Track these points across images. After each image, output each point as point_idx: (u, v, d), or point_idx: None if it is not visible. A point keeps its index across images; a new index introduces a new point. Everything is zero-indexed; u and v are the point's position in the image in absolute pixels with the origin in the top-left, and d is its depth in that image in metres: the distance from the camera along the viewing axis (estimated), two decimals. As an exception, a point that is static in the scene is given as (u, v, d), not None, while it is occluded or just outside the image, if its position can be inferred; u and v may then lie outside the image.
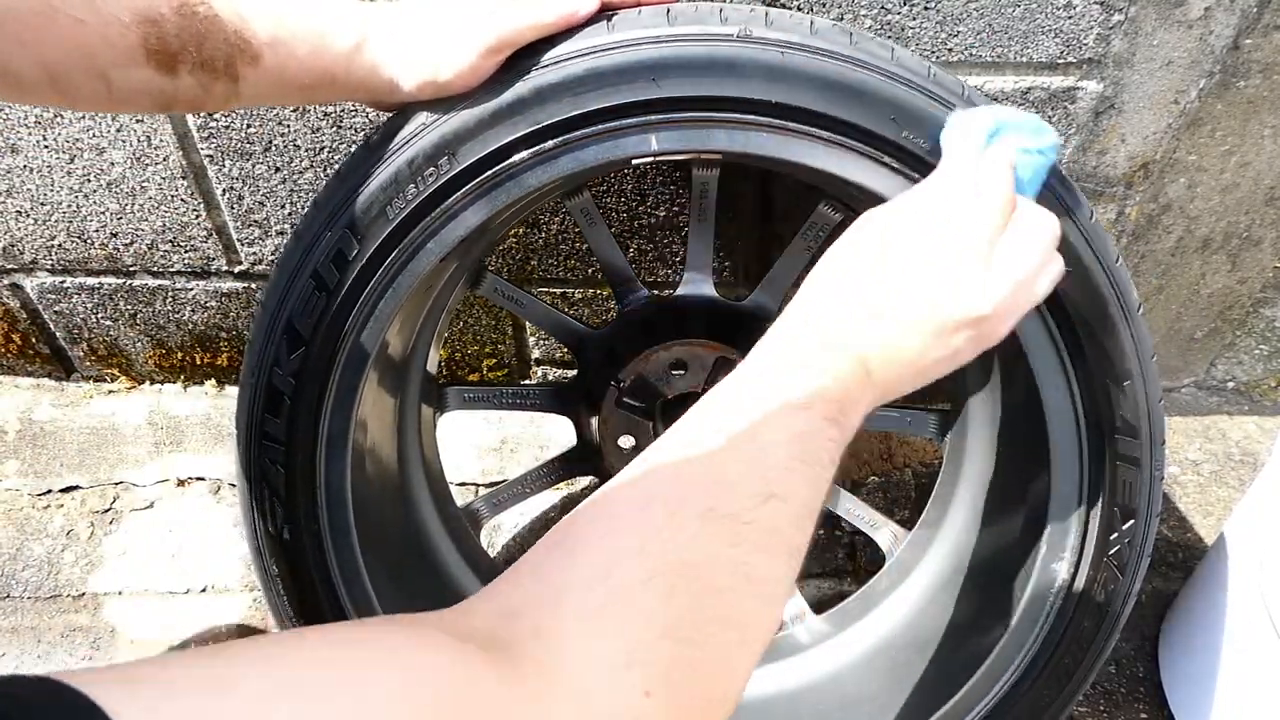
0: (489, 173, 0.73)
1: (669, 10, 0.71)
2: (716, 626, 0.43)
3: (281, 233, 1.22)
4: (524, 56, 0.71)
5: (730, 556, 0.45)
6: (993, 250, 0.58)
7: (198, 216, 1.21)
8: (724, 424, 0.51)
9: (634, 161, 0.75)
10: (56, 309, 1.34)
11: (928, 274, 0.56)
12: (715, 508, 0.46)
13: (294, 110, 1.09)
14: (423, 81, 0.70)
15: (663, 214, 1.18)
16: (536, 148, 0.72)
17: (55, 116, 1.11)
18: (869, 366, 0.55)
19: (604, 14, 0.72)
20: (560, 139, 0.72)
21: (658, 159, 0.74)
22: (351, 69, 0.69)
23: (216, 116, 1.10)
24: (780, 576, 0.48)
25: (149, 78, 0.64)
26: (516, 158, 0.73)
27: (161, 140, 1.13)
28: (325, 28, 0.68)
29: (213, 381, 1.45)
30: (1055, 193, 0.72)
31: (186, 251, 1.25)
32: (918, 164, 0.72)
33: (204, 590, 1.28)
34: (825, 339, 0.55)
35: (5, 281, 1.31)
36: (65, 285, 1.31)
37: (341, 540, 0.86)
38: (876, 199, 0.74)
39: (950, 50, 1.01)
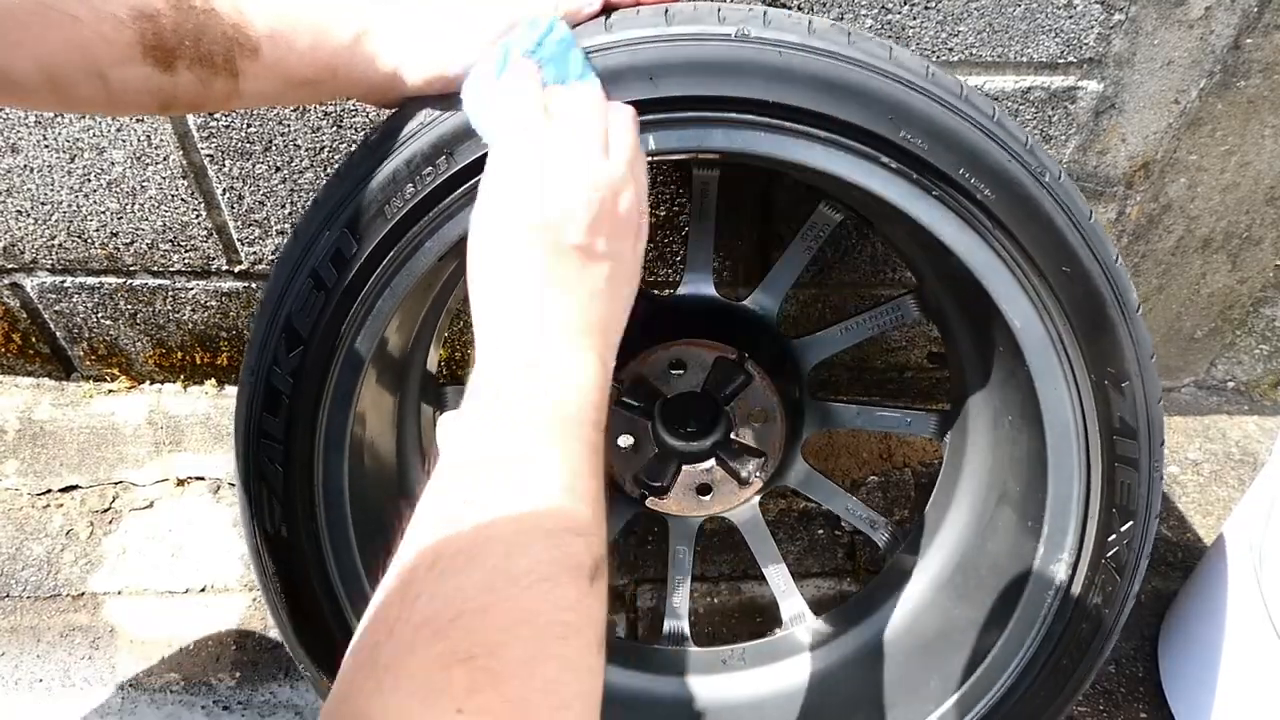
0: (487, 172, 0.73)
1: (667, 10, 0.71)
2: (504, 631, 0.44)
3: (282, 232, 1.22)
4: (522, 56, 0.70)
5: (498, 560, 0.46)
6: (550, 155, 0.60)
7: (198, 216, 1.21)
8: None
9: (632, 161, 0.75)
10: (56, 309, 1.34)
11: (522, 220, 0.59)
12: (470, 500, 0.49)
13: (294, 110, 1.09)
14: (431, 76, 0.70)
15: (663, 214, 1.18)
16: (534, 147, 0.72)
17: (55, 116, 1.11)
18: (554, 333, 0.58)
19: (602, 13, 0.72)
20: (558, 138, 0.72)
21: (656, 158, 0.74)
22: (353, 61, 0.68)
23: (216, 116, 1.10)
24: (552, 549, 0.48)
25: (147, 75, 0.63)
26: (514, 157, 0.73)
27: (162, 140, 1.13)
28: (325, 19, 0.67)
29: (212, 381, 1.45)
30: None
31: (187, 251, 1.25)
32: (916, 164, 0.72)
33: (203, 590, 1.28)
34: (511, 348, 0.58)
35: (5, 281, 1.31)
36: (65, 285, 1.31)
37: (339, 539, 0.86)
38: (874, 198, 0.74)
39: (950, 50, 1.01)
